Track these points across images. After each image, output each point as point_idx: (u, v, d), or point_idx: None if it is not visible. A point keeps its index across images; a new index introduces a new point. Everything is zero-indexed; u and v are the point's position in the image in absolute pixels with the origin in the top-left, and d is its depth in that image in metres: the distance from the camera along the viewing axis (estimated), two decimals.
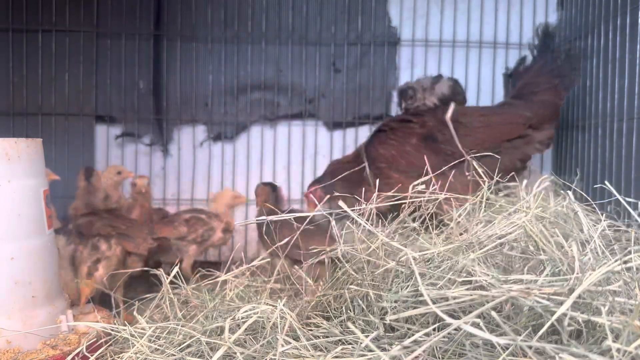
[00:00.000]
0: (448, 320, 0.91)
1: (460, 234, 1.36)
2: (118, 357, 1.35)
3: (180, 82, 3.14)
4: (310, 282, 1.48)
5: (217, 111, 3.17)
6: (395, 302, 1.17)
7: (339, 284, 1.37)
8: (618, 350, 0.90)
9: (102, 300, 1.98)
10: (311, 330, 1.26)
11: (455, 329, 1.02)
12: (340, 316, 1.32)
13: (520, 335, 0.99)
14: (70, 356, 1.39)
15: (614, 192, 1.32)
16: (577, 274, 1.02)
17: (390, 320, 1.14)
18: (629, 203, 1.31)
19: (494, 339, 0.88)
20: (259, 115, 3.17)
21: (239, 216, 3.02)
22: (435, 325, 1.10)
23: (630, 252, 1.12)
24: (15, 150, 1.58)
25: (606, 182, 1.41)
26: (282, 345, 1.09)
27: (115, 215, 2.23)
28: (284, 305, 1.20)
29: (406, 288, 1.18)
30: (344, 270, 1.34)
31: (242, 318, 1.20)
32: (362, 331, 1.22)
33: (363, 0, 3.14)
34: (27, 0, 2.98)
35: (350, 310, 1.30)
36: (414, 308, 1.11)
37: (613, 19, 2.43)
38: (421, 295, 1.00)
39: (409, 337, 0.98)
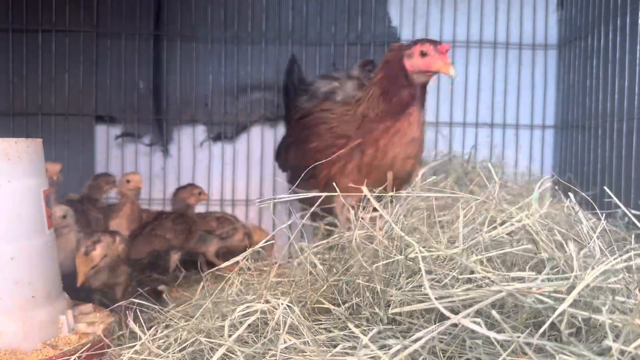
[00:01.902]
0: (447, 313, 0.91)
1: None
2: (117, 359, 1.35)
3: (180, 82, 3.15)
4: (320, 267, 1.45)
5: (217, 111, 3.17)
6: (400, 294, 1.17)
7: (349, 274, 1.36)
8: (618, 350, 0.91)
9: (101, 301, 1.98)
10: (314, 325, 1.26)
11: (453, 325, 1.02)
12: (348, 302, 1.31)
13: (519, 333, 0.99)
14: None
15: (614, 198, 1.32)
16: (576, 272, 1.02)
17: (392, 314, 1.14)
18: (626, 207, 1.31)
19: (492, 334, 0.88)
20: (259, 116, 3.18)
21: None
22: (437, 325, 1.10)
23: (628, 252, 1.12)
24: (15, 150, 1.58)
25: (605, 188, 1.41)
26: (284, 343, 1.09)
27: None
28: (288, 301, 1.20)
29: (411, 284, 1.18)
30: (356, 259, 1.32)
31: (243, 316, 1.20)
32: (367, 320, 1.22)
33: (363, 0, 3.14)
34: (27, 1, 2.99)
35: (358, 297, 1.30)
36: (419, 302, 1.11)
37: (613, 19, 2.44)
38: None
39: (413, 332, 0.98)
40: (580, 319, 1.05)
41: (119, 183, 2.51)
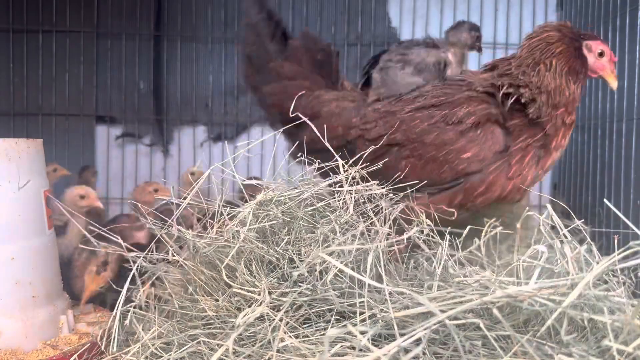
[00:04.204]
0: (437, 312, 0.91)
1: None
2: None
3: (180, 83, 3.15)
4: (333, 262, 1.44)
5: (217, 112, 3.18)
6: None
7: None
8: (618, 350, 0.91)
9: (101, 300, 1.98)
10: (310, 326, 1.26)
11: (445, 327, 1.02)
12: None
13: (519, 334, 0.99)
14: None
15: (615, 210, 1.32)
16: (574, 275, 1.03)
17: (392, 317, 1.14)
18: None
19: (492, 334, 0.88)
20: (260, 116, 3.17)
21: None
22: (435, 325, 1.10)
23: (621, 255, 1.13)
24: (16, 151, 1.58)
25: (605, 200, 1.42)
26: (280, 343, 1.10)
27: None
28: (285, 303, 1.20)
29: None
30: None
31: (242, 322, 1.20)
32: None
33: (363, 0, 3.14)
34: (27, 1, 2.99)
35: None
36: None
37: (612, 19, 2.44)
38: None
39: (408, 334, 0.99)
40: (578, 319, 1.05)
41: (67, 196, 2.14)
